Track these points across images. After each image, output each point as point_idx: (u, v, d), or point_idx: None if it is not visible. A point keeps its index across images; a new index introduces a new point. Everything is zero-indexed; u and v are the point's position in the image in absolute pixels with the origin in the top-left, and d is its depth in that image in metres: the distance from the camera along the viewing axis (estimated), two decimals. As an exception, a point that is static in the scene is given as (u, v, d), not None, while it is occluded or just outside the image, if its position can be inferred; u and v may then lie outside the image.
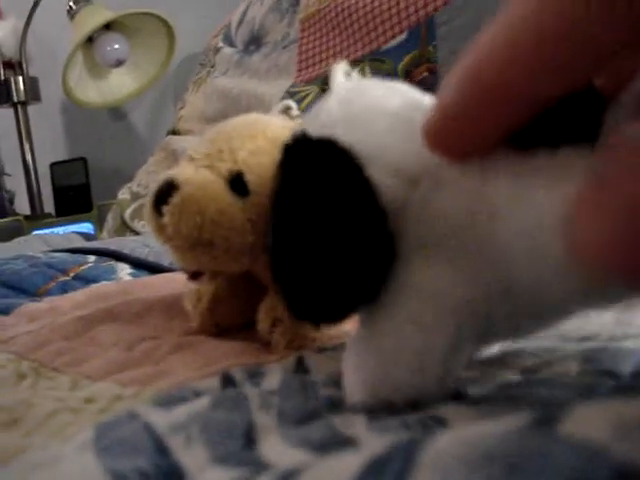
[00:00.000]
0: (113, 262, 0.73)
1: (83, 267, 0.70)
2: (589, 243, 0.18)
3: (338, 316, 0.27)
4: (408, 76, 1.05)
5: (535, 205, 0.22)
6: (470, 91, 0.22)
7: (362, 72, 1.11)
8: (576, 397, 0.25)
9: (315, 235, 0.25)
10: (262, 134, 0.40)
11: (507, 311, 0.25)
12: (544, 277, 0.23)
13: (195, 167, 0.39)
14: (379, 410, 0.26)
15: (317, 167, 0.26)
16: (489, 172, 0.24)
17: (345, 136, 0.26)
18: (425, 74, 1.03)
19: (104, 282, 0.66)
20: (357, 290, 0.26)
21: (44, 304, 0.57)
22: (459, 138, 0.23)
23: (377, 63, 1.11)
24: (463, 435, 0.20)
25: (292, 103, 0.47)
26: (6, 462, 0.26)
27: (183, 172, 0.39)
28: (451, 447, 0.19)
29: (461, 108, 0.22)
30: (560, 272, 0.22)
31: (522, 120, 0.22)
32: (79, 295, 0.58)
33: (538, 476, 0.17)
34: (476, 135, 0.23)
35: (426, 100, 0.28)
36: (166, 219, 0.38)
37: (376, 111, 0.27)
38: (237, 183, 0.38)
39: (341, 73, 0.32)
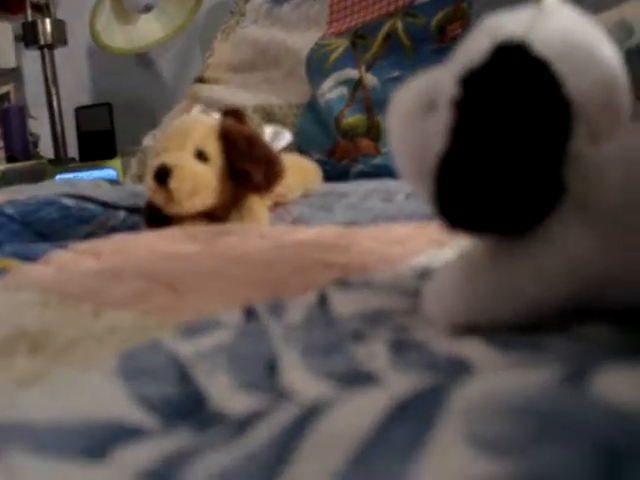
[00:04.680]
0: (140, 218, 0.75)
1: (113, 221, 0.72)
2: None
3: (486, 228, 0.27)
4: (441, 32, 1.04)
5: None
6: None
7: (394, 27, 1.10)
8: (606, 355, 0.25)
9: (501, 147, 0.26)
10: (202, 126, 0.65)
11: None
12: None
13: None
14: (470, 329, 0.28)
15: (529, 84, 0.26)
16: None
17: (561, 71, 0.26)
18: (458, 31, 1.02)
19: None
20: (513, 214, 0.26)
21: (71, 253, 0.57)
22: None
23: (410, 18, 1.09)
24: (492, 385, 0.20)
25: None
26: (30, 385, 0.26)
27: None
28: (480, 397, 0.19)
29: None
30: None
31: None
32: (104, 247, 0.58)
33: (567, 433, 0.17)
34: None
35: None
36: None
37: (593, 58, 0.27)
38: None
39: None
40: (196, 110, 0.70)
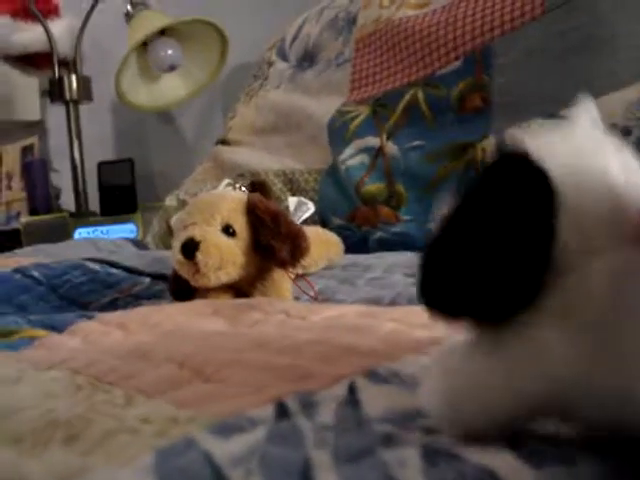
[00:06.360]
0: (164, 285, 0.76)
1: (137, 287, 0.74)
2: None
3: (458, 313, 0.29)
4: (462, 102, 1.05)
5: None
6: None
7: (415, 97, 1.12)
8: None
9: (480, 240, 0.27)
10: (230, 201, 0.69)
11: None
12: None
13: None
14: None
15: (517, 189, 0.27)
16: None
17: (558, 177, 0.27)
18: (478, 101, 1.03)
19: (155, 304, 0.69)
20: (483, 303, 0.27)
21: (97, 323, 0.58)
22: None
23: (431, 88, 1.11)
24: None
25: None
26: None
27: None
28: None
29: None
30: None
31: None
32: (130, 319, 0.59)
33: None
34: None
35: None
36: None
37: (600, 181, 0.28)
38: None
39: (588, 115, 0.31)
40: (223, 184, 0.71)
